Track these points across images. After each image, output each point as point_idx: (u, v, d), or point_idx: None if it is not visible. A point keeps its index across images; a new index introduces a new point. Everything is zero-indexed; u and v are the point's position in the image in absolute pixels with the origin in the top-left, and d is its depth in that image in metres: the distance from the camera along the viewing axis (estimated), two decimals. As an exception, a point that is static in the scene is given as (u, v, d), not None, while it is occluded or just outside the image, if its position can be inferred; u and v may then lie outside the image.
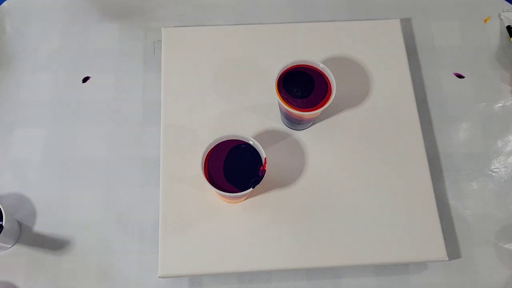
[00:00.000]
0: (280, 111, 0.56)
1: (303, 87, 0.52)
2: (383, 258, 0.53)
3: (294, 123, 0.56)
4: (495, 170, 0.62)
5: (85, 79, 0.65)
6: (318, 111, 0.51)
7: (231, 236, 0.53)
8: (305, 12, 0.70)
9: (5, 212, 0.53)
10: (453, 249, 0.58)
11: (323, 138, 0.58)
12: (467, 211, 0.60)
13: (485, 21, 0.70)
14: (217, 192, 0.48)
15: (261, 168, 0.48)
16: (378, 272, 0.57)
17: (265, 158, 0.48)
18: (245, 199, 0.55)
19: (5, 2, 0.69)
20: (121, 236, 0.58)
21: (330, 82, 0.52)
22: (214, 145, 0.49)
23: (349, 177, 0.56)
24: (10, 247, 0.57)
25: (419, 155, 0.57)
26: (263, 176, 0.48)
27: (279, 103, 0.52)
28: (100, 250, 0.57)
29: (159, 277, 0.52)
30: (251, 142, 0.49)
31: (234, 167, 0.49)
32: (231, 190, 0.48)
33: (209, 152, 0.49)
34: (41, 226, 0.58)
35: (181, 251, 0.53)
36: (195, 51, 0.62)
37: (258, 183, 0.48)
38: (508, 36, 0.68)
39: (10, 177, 0.60)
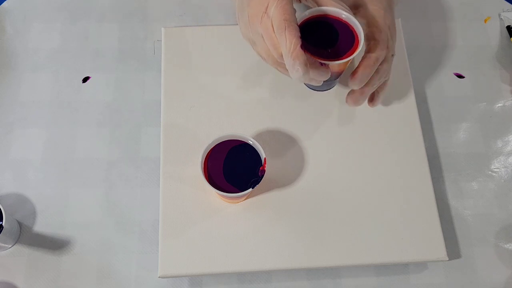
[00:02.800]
0: None
1: (326, 38, 0.47)
2: (383, 258, 0.53)
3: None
4: (495, 170, 0.62)
5: (85, 79, 0.65)
6: (349, 58, 0.47)
7: (231, 236, 0.53)
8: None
9: (5, 212, 0.53)
10: (453, 249, 0.58)
11: (323, 138, 0.58)
12: (467, 211, 0.60)
13: (485, 21, 0.70)
14: (216, 193, 0.48)
15: (260, 168, 0.48)
16: (378, 272, 0.57)
17: (265, 158, 0.48)
18: (245, 199, 0.55)
19: (5, 2, 0.69)
20: (121, 236, 0.58)
21: (356, 30, 0.47)
22: (214, 145, 0.49)
23: (349, 177, 0.56)
24: (10, 247, 0.57)
25: (419, 155, 0.57)
26: (262, 176, 0.48)
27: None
28: (100, 250, 0.57)
29: (159, 277, 0.52)
30: (250, 142, 0.49)
31: (234, 167, 0.49)
32: (230, 191, 0.48)
33: (208, 152, 0.49)
34: (41, 226, 0.58)
35: (181, 251, 0.53)
36: (195, 51, 0.62)
37: (258, 183, 0.48)
38: (508, 36, 0.68)
39: (10, 177, 0.60)
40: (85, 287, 0.56)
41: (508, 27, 0.68)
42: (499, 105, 0.65)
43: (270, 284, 0.57)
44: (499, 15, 0.70)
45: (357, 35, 0.48)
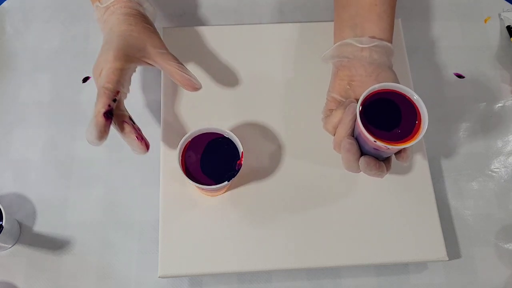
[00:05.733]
0: (359, 138, 0.48)
1: (390, 116, 0.46)
2: (383, 258, 0.53)
3: (371, 153, 0.48)
4: (495, 170, 0.62)
5: (85, 79, 0.65)
6: (407, 145, 0.45)
7: (231, 236, 0.53)
8: (305, 12, 0.70)
9: (5, 212, 0.53)
10: (453, 249, 0.58)
11: (324, 139, 0.58)
12: (467, 211, 0.60)
13: (485, 21, 0.70)
14: (193, 184, 0.48)
15: (238, 162, 0.49)
16: (378, 272, 0.57)
17: (242, 152, 0.48)
18: (224, 192, 0.55)
19: (5, 2, 0.69)
20: (121, 236, 0.58)
21: (421, 114, 0.45)
22: (192, 138, 0.49)
23: (350, 177, 0.56)
24: (10, 247, 0.57)
25: (419, 155, 0.57)
26: (239, 170, 0.48)
27: (361, 131, 0.45)
28: (100, 250, 0.57)
29: (159, 277, 0.52)
30: (227, 135, 0.49)
31: (212, 160, 0.49)
32: (208, 183, 0.48)
33: (186, 145, 0.49)
34: (41, 226, 0.58)
35: (181, 251, 0.53)
36: (195, 51, 0.62)
37: (234, 177, 0.48)
38: (508, 36, 0.68)
39: (10, 177, 0.60)
40: (85, 287, 0.56)
41: (508, 27, 0.68)
42: (499, 105, 0.65)
43: (270, 284, 0.57)
44: (499, 15, 0.70)
45: (420, 119, 0.46)
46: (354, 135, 0.49)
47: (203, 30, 0.63)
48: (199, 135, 0.50)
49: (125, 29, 0.51)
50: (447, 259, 0.53)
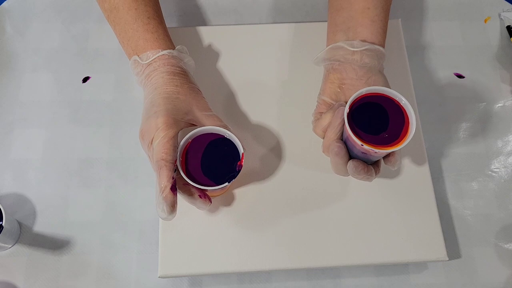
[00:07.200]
0: (348, 141, 0.48)
1: (378, 120, 0.46)
2: (383, 258, 0.53)
3: (358, 156, 0.48)
4: (495, 170, 0.62)
5: (85, 79, 0.65)
6: (394, 149, 0.45)
7: (231, 236, 0.53)
8: (305, 12, 0.70)
9: (5, 212, 0.53)
10: (453, 249, 0.58)
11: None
12: (467, 211, 0.60)
13: (485, 21, 0.70)
14: (193, 186, 0.48)
15: (238, 163, 0.48)
16: (378, 272, 0.57)
17: (243, 153, 0.48)
18: (225, 192, 0.55)
19: (5, 2, 0.69)
20: (121, 236, 0.58)
21: (409, 118, 0.46)
22: (192, 139, 0.49)
23: (349, 177, 0.56)
24: (10, 247, 0.57)
25: (419, 155, 0.57)
26: (239, 171, 0.48)
27: (349, 135, 0.45)
28: (100, 250, 0.57)
29: (159, 277, 0.52)
30: (228, 136, 0.49)
31: (212, 161, 0.49)
32: (208, 184, 0.47)
33: (187, 145, 0.49)
34: (41, 226, 0.58)
35: (181, 251, 0.53)
36: (195, 51, 0.62)
37: (234, 178, 0.48)
38: (508, 36, 0.68)
39: (10, 177, 0.60)
40: (85, 287, 0.56)
41: (508, 27, 0.68)
42: (499, 105, 0.65)
43: (270, 284, 0.57)
44: (499, 15, 0.70)
45: (408, 123, 0.46)
46: (343, 138, 0.49)
47: (203, 30, 0.63)
48: (199, 135, 0.49)
49: (171, 91, 0.50)
50: (447, 259, 0.53)
